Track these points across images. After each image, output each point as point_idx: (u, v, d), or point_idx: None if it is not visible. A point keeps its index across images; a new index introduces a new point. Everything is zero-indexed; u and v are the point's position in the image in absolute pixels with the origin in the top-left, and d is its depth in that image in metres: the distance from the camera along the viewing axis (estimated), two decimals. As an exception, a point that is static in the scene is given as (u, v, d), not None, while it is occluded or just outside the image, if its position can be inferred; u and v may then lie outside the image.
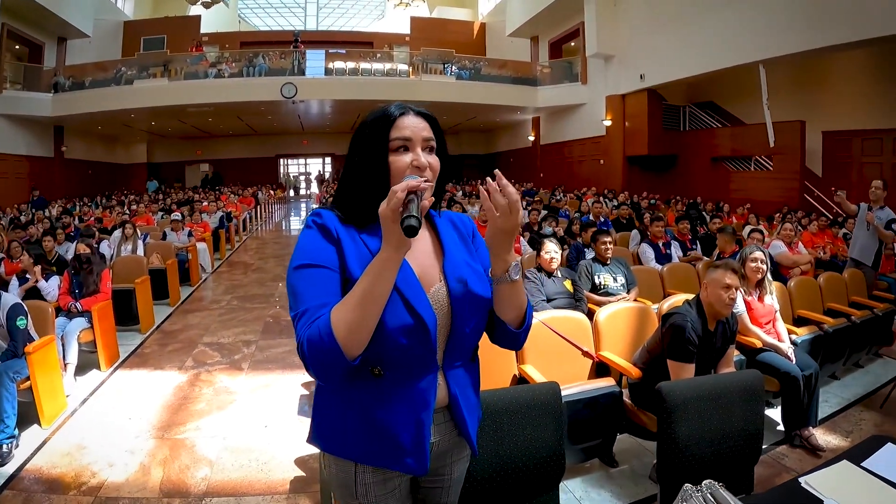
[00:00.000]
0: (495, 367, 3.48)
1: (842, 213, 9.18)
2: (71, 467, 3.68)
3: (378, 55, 20.74)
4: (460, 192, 18.08)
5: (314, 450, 3.53)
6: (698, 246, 7.34)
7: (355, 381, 1.36)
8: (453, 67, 19.70)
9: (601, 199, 14.40)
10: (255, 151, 29.29)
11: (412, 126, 1.38)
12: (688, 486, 1.69)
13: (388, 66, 20.09)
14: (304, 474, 3.53)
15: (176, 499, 3.25)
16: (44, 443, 4.01)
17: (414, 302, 1.33)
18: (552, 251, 4.83)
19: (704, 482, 1.68)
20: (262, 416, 4.35)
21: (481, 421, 1.88)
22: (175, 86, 18.00)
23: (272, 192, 24.33)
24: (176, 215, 11.21)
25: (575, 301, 4.78)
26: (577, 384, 3.21)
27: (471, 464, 1.91)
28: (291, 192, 31.86)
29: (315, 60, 19.28)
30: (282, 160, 32.08)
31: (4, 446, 3.81)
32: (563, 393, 2.94)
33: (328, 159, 32.01)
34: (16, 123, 17.44)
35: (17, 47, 18.49)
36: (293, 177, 33.40)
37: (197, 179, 28.81)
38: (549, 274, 4.84)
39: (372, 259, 1.25)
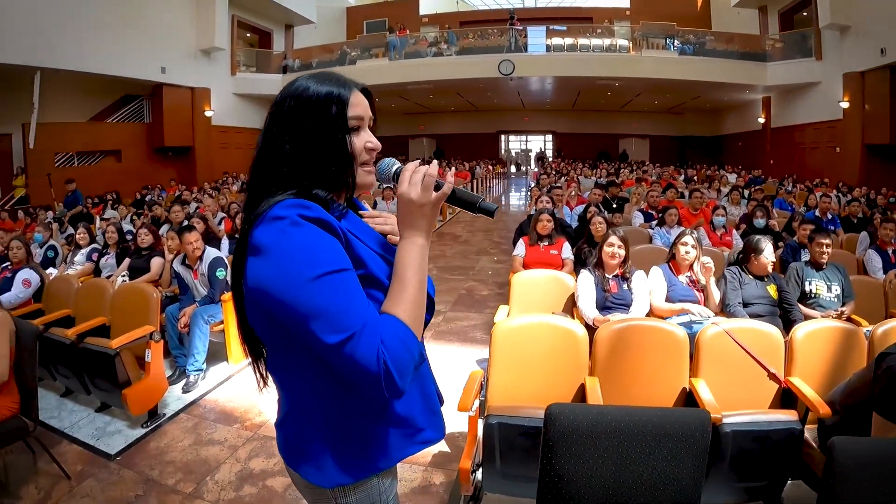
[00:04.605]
0: (662, 377, 3.20)
1: None
2: (242, 404, 4.26)
3: (598, 30, 20.13)
4: (682, 177, 16.90)
5: (461, 427, 3.53)
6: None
7: None
8: (675, 42, 18.45)
9: (837, 192, 12.84)
10: (476, 127, 29.73)
11: (362, 104, 1.29)
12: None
13: (607, 41, 19.31)
14: (448, 451, 3.58)
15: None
16: (227, 379, 4.75)
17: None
18: (769, 256, 4.21)
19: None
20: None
21: (601, 440, 1.81)
22: (395, 65, 18.99)
23: (490, 167, 24.51)
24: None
25: (777, 309, 4.19)
26: (750, 412, 2.77)
27: (578, 487, 1.81)
28: (513, 169, 31.94)
29: (536, 37, 19.17)
30: (503, 136, 32.24)
31: (192, 377, 4.64)
32: (732, 420, 2.65)
33: (549, 136, 31.65)
34: (250, 101, 19.73)
35: (247, 35, 20.97)
36: (514, 153, 33.37)
37: (419, 153, 29.99)
38: (757, 277, 4.26)
39: (368, 250, 1.22)
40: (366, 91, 1.32)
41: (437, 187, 1.21)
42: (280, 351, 1.23)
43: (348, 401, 1.22)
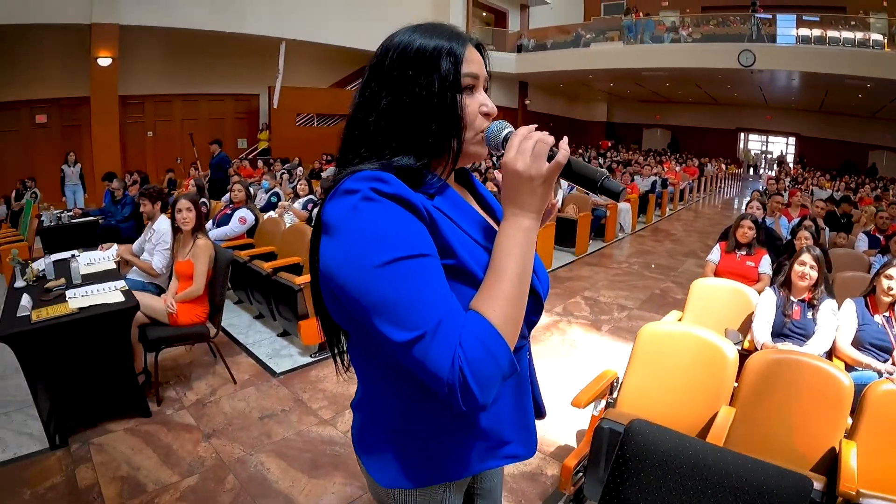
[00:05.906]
0: (810, 428, 2.63)
1: None
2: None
3: (852, 22, 18.21)
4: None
5: (580, 423, 3.58)
6: None
7: None
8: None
9: None
10: (714, 122, 28.05)
11: (478, 61, 1.08)
12: None
13: (859, 35, 17.26)
14: (574, 446, 3.51)
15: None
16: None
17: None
18: None
19: None
20: (584, 377, 4.03)
21: (673, 474, 1.64)
22: (630, 49, 18.52)
23: (723, 166, 23.10)
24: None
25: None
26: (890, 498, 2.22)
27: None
28: (751, 171, 29.65)
29: (785, 27, 17.67)
30: (742, 134, 29.79)
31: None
32: (870, 502, 2.22)
33: (791, 139, 28.51)
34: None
35: (483, 14, 21.73)
36: (753, 154, 30.72)
37: (654, 143, 29.19)
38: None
39: (463, 235, 1.04)
40: (479, 47, 1.12)
41: (552, 157, 0.97)
42: (353, 336, 1.11)
43: (424, 403, 1.06)
